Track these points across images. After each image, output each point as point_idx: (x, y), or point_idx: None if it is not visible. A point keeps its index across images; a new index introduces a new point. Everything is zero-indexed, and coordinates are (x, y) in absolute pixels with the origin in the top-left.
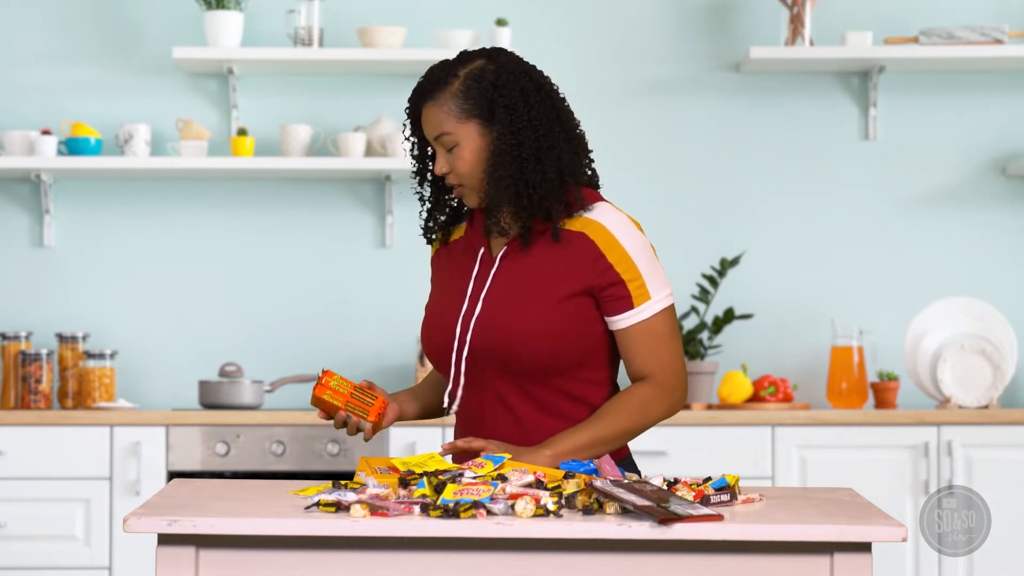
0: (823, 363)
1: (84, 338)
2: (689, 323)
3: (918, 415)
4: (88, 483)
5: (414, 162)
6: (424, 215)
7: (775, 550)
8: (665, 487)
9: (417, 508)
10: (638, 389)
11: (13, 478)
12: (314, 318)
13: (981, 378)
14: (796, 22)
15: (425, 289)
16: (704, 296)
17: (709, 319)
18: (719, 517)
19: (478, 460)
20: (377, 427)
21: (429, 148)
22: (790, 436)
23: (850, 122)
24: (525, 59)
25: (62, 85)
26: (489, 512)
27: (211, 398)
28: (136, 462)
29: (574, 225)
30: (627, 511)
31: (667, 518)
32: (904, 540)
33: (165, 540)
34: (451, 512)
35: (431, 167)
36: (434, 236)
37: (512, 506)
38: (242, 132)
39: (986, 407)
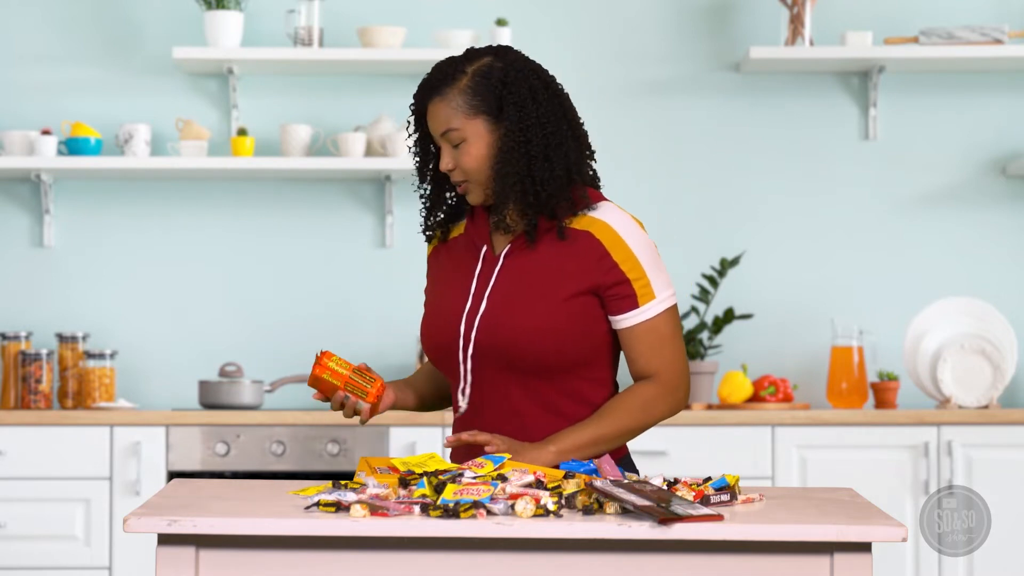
0: (823, 363)
1: (84, 338)
2: (689, 323)
3: (918, 415)
4: (88, 483)
5: (416, 159)
6: (424, 212)
7: (775, 550)
8: (665, 487)
9: (417, 508)
10: (641, 388)
11: (13, 478)
12: (314, 318)
13: (981, 378)
14: (796, 22)
15: None
16: (704, 296)
17: (709, 319)
18: (719, 517)
19: (478, 460)
20: (374, 410)
21: (432, 145)
22: (790, 436)
23: (850, 122)
24: (531, 57)
25: (62, 85)
26: (489, 512)
27: (211, 398)
28: (136, 462)
29: (579, 224)
30: (627, 511)
31: (667, 518)
32: (904, 540)
33: (165, 540)
34: (451, 512)
35: (432, 164)
36: (434, 233)
37: (512, 506)
38: (242, 132)
39: (986, 407)
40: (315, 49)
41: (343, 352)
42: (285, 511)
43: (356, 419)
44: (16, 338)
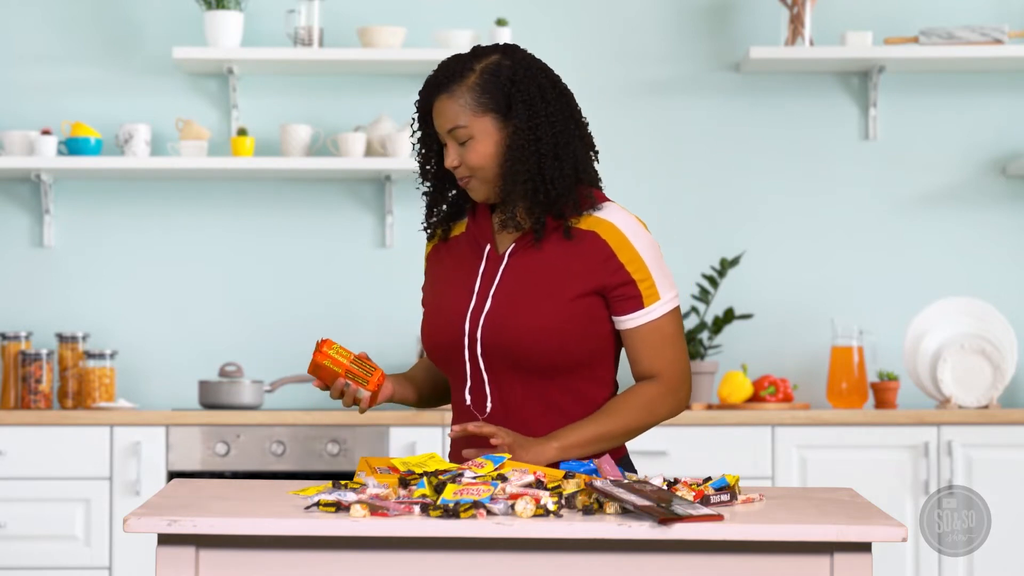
0: (823, 363)
1: (84, 338)
2: (689, 323)
3: (918, 415)
4: (88, 483)
5: (419, 156)
6: (426, 209)
7: (775, 550)
8: (665, 487)
9: (417, 508)
10: (644, 388)
11: (13, 478)
12: (314, 318)
13: (981, 378)
14: (796, 22)
15: None
16: (704, 296)
17: (709, 319)
18: (719, 517)
19: (478, 460)
20: (374, 399)
21: (435, 143)
22: (790, 436)
23: (850, 122)
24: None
25: (62, 85)
26: (489, 512)
27: (211, 398)
28: (136, 462)
29: (584, 224)
30: (627, 511)
31: (667, 518)
32: (904, 540)
33: (165, 540)
34: (451, 512)
35: (435, 161)
36: (435, 230)
37: (512, 506)
38: (242, 132)
39: (986, 407)
40: (315, 49)
41: None
42: (285, 511)
43: (355, 409)
44: (16, 338)
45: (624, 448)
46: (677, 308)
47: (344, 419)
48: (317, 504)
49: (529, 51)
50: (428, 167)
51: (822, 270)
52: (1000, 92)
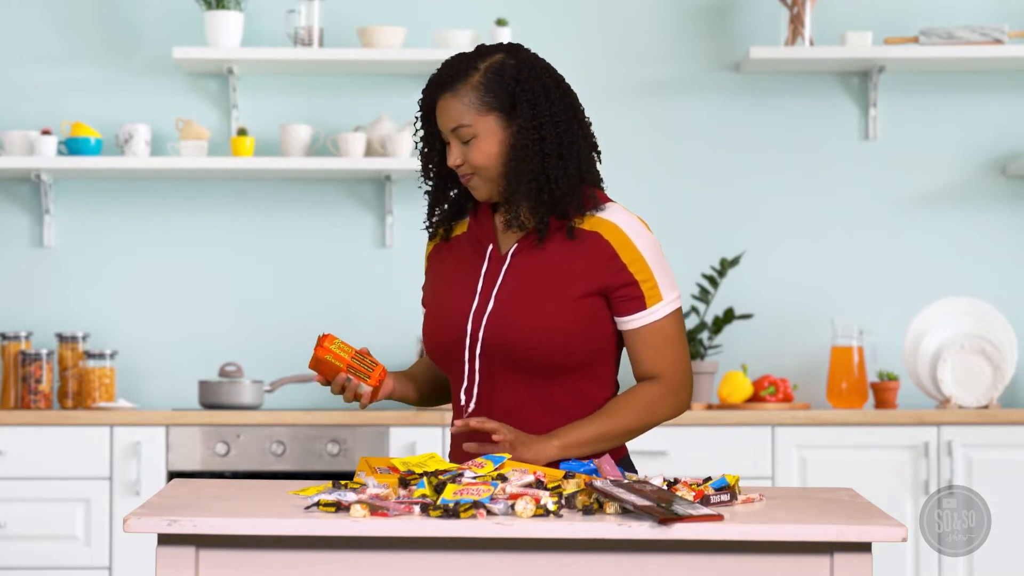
0: (823, 363)
1: (84, 338)
2: (689, 323)
3: (918, 415)
4: (88, 483)
5: (422, 155)
6: (427, 208)
7: (775, 550)
8: (665, 487)
9: (417, 508)
10: (646, 388)
11: (13, 478)
12: (314, 318)
13: (981, 378)
14: (796, 22)
15: None
16: (704, 296)
17: (709, 319)
18: (719, 517)
19: (478, 460)
20: (375, 395)
21: (438, 142)
22: (790, 436)
23: (850, 122)
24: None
25: (62, 85)
26: (489, 512)
27: (211, 398)
28: (136, 462)
29: (587, 224)
30: (627, 511)
31: (667, 518)
32: (904, 540)
33: (165, 540)
34: (451, 512)
35: (436, 161)
36: (437, 229)
37: (512, 506)
38: (242, 132)
39: (986, 407)
40: (315, 49)
41: None
42: (285, 511)
43: (356, 404)
44: (16, 338)
45: (624, 448)
46: (679, 309)
47: (344, 419)
48: (317, 504)
49: (533, 51)
50: (430, 166)
51: (822, 270)
52: (1000, 92)
